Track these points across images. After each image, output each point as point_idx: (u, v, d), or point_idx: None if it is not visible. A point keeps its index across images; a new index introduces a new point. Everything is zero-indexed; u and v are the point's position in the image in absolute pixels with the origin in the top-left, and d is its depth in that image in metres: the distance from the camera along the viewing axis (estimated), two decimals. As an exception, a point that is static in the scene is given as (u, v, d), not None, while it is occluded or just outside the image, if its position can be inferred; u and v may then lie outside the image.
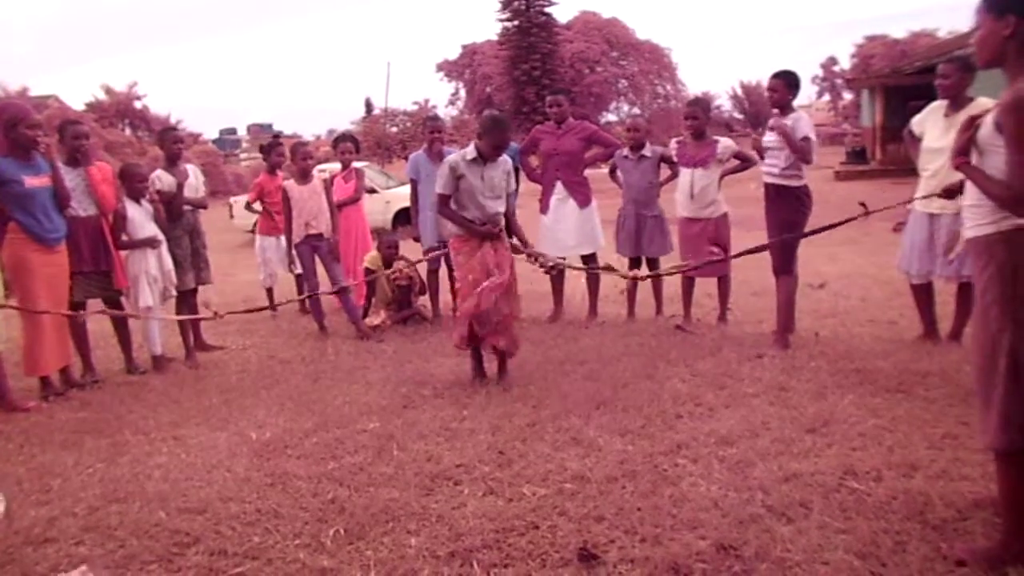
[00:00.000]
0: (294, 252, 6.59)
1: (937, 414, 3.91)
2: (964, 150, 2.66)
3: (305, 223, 6.46)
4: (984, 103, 4.73)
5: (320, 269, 6.68)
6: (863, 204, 4.72)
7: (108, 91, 39.37)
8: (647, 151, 6.33)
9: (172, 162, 6.06)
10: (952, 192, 4.40)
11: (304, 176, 6.55)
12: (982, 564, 2.56)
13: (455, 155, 4.90)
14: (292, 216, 6.45)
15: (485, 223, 4.85)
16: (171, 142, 6.18)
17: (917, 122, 5.11)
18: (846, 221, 4.68)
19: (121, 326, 5.74)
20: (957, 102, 4.82)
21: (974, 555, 2.61)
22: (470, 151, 4.84)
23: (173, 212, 5.96)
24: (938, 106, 4.95)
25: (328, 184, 6.72)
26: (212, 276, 6.38)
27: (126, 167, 5.95)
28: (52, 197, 5.04)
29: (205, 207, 6.37)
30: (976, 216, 2.59)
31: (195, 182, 6.19)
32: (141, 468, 3.79)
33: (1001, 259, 2.51)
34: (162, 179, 5.96)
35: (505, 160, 4.95)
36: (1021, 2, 2.46)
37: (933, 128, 4.96)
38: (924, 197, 4.92)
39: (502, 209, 4.97)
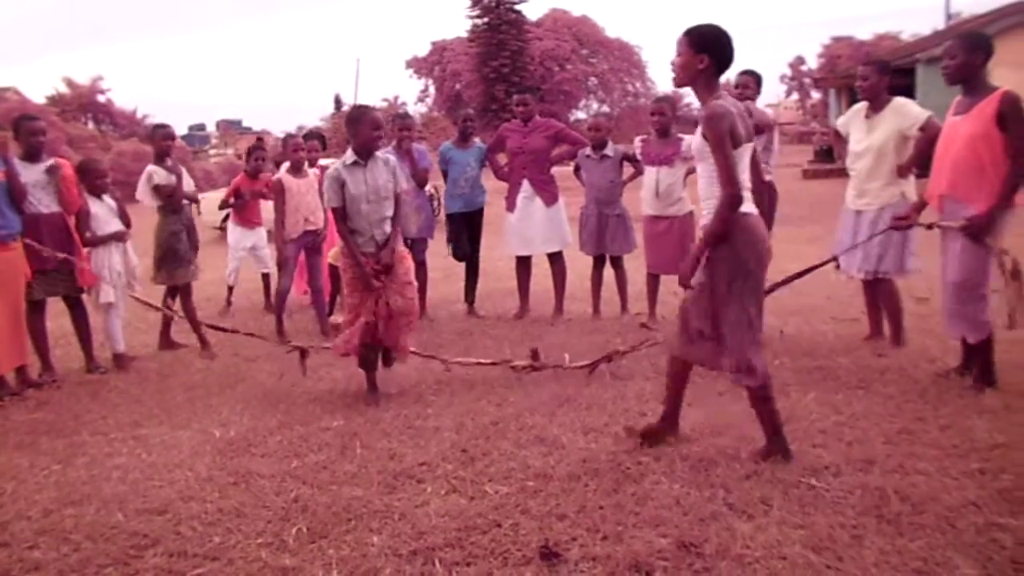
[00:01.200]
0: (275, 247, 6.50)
1: (894, 410, 3.98)
2: None
3: (304, 218, 6.29)
4: (901, 103, 4.83)
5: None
6: (836, 259, 4.90)
7: (70, 84, 38.72)
8: (609, 150, 6.35)
9: (161, 158, 6.00)
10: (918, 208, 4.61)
11: (298, 169, 6.39)
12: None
13: (335, 163, 4.70)
14: (286, 210, 6.22)
15: (372, 236, 4.59)
16: (160, 138, 6.11)
17: (842, 123, 5.22)
18: (814, 268, 4.76)
19: (81, 323, 5.64)
20: (876, 103, 4.91)
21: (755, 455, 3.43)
22: (348, 156, 4.62)
23: (173, 206, 5.95)
24: (860, 107, 5.04)
25: (320, 179, 6.50)
26: (198, 273, 6.29)
27: (84, 162, 5.86)
28: (5, 193, 4.94)
29: (197, 201, 6.31)
30: (710, 208, 3.28)
31: (186, 178, 6.13)
32: (99, 469, 3.73)
33: (729, 241, 3.22)
34: (157, 174, 5.92)
35: (387, 158, 4.73)
36: (715, 47, 3.23)
37: (856, 130, 5.06)
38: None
39: (390, 213, 4.67)
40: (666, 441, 3.64)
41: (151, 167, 5.97)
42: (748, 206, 3.27)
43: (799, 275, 4.77)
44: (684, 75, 3.30)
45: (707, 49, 3.23)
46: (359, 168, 4.61)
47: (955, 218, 4.16)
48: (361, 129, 4.59)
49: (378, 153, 4.69)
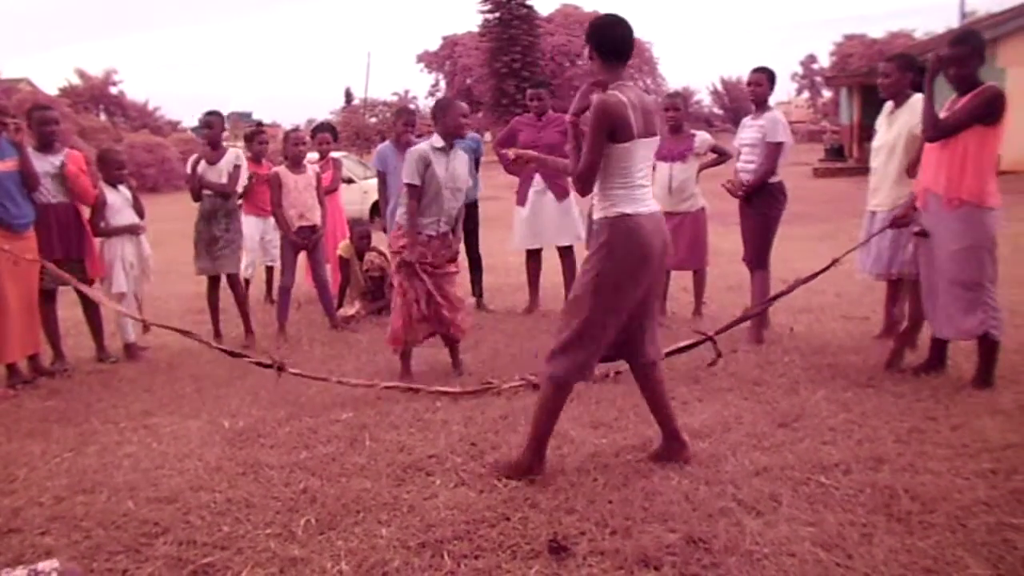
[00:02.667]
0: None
1: (905, 408, 3.96)
2: (582, 110, 3.23)
3: (299, 214, 6.19)
4: (916, 100, 4.76)
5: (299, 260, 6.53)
6: (835, 260, 4.86)
7: (82, 76, 38.86)
8: None
9: (214, 147, 6.06)
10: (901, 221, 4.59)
11: (297, 164, 6.28)
12: (505, 471, 3.29)
13: (422, 144, 4.83)
14: (283, 205, 6.14)
15: (440, 219, 4.80)
16: (204, 126, 6.20)
17: (878, 124, 5.17)
18: (819, 273, 4.83)
19: (93, 313, 5.67)
20: (899, 100, 4.87)
21: (498, 466, 3.36)
22: (436, 140, 4.77)
23: (192, 195, 6.02)
24: (888, 106, 4.99)
25: (319, 177, 6.45)
26: (234, 264, 6.15)
27: (103, 152, 5.88)
28: (19, 182, 4.96)
29: (228, 192, 6.09)
30: (597, 204, 3.23)
31: (223, 167, 6.02)
32: (110, 457, 3.75)
33: (602, 240, 3.16)
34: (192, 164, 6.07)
35: (462, 153, 4.94)
36: (591, 35, 3.19)
37: (879, 128, 5.02)
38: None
39: (459, 205, 4.94)
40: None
41: (193, 155, 6.09)
42: (636, 206, 3.16)
43: (807, 280, 4.82)
44: (593, 71, 3.24)
45: (589, 38, 3.20)
46: (444, 154, 4.76)
47: (936, 214, 4.15)
48: (450, 115, 4.76)
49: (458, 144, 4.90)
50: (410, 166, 4.71)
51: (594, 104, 3.07)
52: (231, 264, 6.11)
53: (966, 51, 4.08)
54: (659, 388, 3.44)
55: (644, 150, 3.19)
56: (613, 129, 3.06)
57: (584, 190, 3.19)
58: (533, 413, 3.33)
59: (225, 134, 6.88)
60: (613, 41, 3.19)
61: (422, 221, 4.76)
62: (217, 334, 6.13)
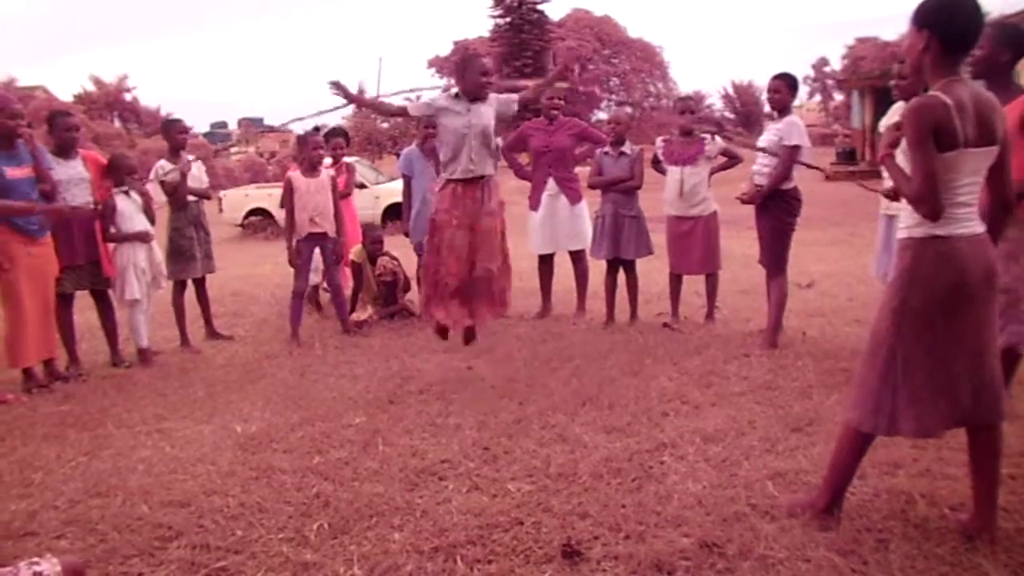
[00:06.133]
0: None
1: (921, 414, 3.92)
2: (893, 144, 2.80)
3: (309, 218, 6.17)
4: None
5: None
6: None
7: (97, 82, 39.24)
8: (627, 148, 6.19)
9: (175, 152, 6.04)
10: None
11: (312, 168, 6.27)
12: (802, 511, 2.91)
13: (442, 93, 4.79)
14: (295, 210, 6.13)
15: (468, 167, 4.63)
16: (176, 132, 6.19)
17: (883, 125, 5.12)
18: None
19: (107, 318, 5.71)
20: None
21: (794, 505, 2.97)
22: (455, 89, 4.69)
23: (178, 202, 5.98)
24: (896, 108, 4.94)
25: (335, 181, 6.43)
26: (214, 266, 6.37)
27: (114, 158, 5.90)
28: (34, 189, 4.99)
29: (208, 197, 6.38)
30: (903, 218, 2.74)
31: (197, 172, 6.17)
32: (124, 461, 3.77)
33: (904, 264, 2.68)
34: (165, 169, 5.95)
35: (484, 107, 4.69)
36: (936, 19, 2.61)
37: (885, 129, 4.96)
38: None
39: (490, 171, 4.74)
40: None
41: (160, 162, 6.05)
42: (953, 226, 2.60)
43: None
44: (913, 62, 2.73)
45: (928, 23, 2.63)
46: (461, 103, 4.66)
47: None
48: (469, 74, 4.64)
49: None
50: (417, 105, 4.79)
51: (908, 108, 2.60)
52: (212, 261, 6.30)
53: None
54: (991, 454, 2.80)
55: (975, 162, 2.60)
56: (935, 135, 2.54)
57: (931, 212, 2.56)
58: (831, 462, 2.95)
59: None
60: (961, 25, 2.62)
61: (453, 170, 4.65)
62: (185, 341, 6.14)
